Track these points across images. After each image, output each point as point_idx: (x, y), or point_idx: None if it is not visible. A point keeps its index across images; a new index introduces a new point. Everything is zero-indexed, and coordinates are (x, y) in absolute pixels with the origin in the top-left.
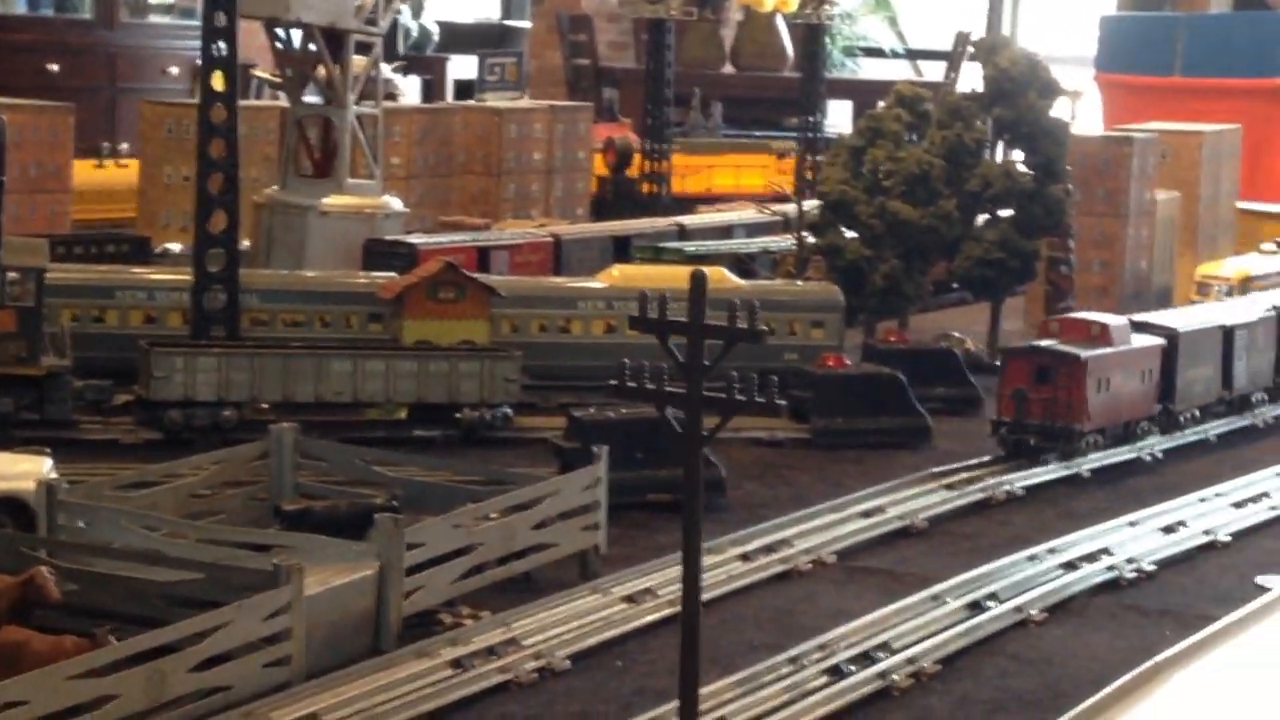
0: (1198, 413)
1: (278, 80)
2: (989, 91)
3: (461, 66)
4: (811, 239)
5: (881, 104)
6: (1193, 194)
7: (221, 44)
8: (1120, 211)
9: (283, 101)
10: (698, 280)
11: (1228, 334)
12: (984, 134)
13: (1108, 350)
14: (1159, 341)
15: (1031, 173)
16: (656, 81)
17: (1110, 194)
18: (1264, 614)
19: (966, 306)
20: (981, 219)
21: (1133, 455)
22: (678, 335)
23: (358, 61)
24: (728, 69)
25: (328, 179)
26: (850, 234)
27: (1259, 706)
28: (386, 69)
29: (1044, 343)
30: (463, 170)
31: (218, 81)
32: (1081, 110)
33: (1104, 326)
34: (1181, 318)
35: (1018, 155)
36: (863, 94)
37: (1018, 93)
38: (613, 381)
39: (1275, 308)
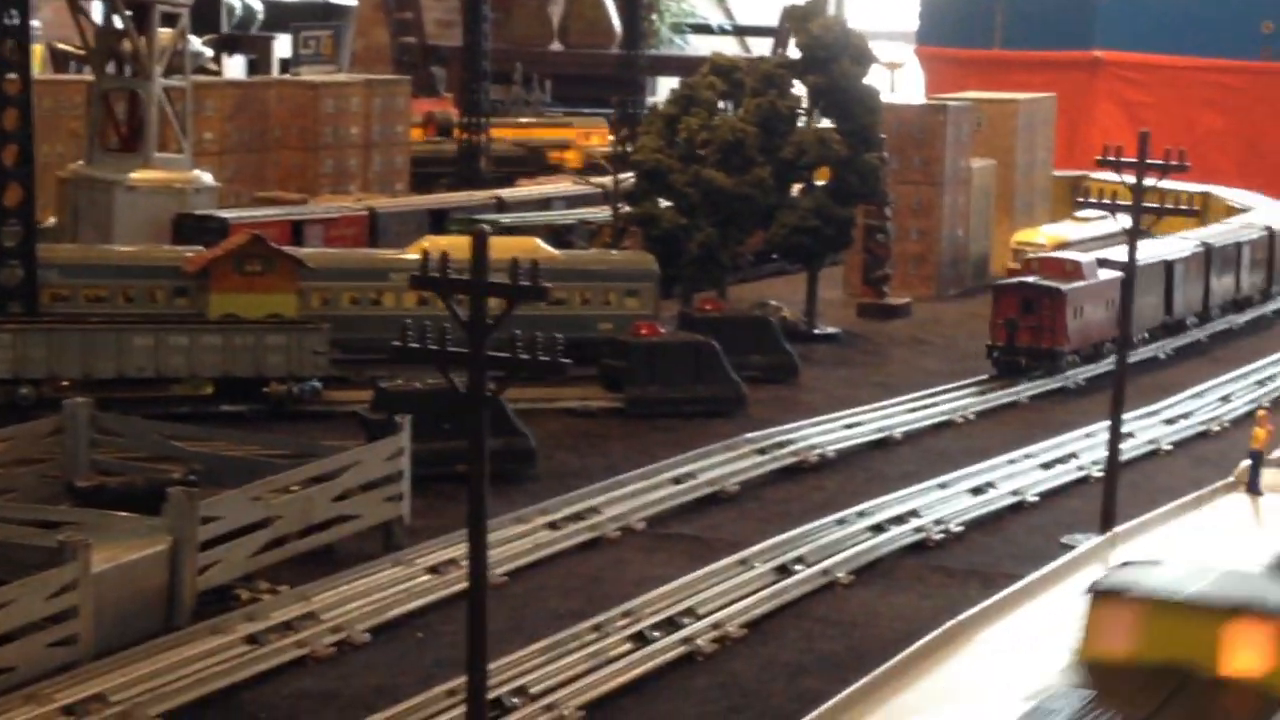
0: (1147, 335)
1: (81, 53)
2: (802, 59)
3: (287, 45)
4: (627, 209)
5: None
6: (1009, 162)
7: (14, 12)
8: (936, 179)
9: (89, 75)
10: (479, 239)
11: (1169, 267)
12: (798, 102)
13: (1081, 284)
14: (1118, 275)
15: (845, 140)
16: (473, 57)
17: (926, 162)
18: (1066, 571)
19: (789, 276)
20: (797, 188)
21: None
22: (460, 293)
23: (164, 34)
24: (556, 46)
25: (135, 153)
26: (666, 203)
27: (1058, 662)
28: (196, 41)
29: (1029, 279)
30: (279, 145)
31: (11, 51)
32: (901, 81)
33: (1077, 264)
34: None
35: (832, 123)
36: (690, 70)
37: (830, 60)
38: (394, 343)
39: (1203, 243)
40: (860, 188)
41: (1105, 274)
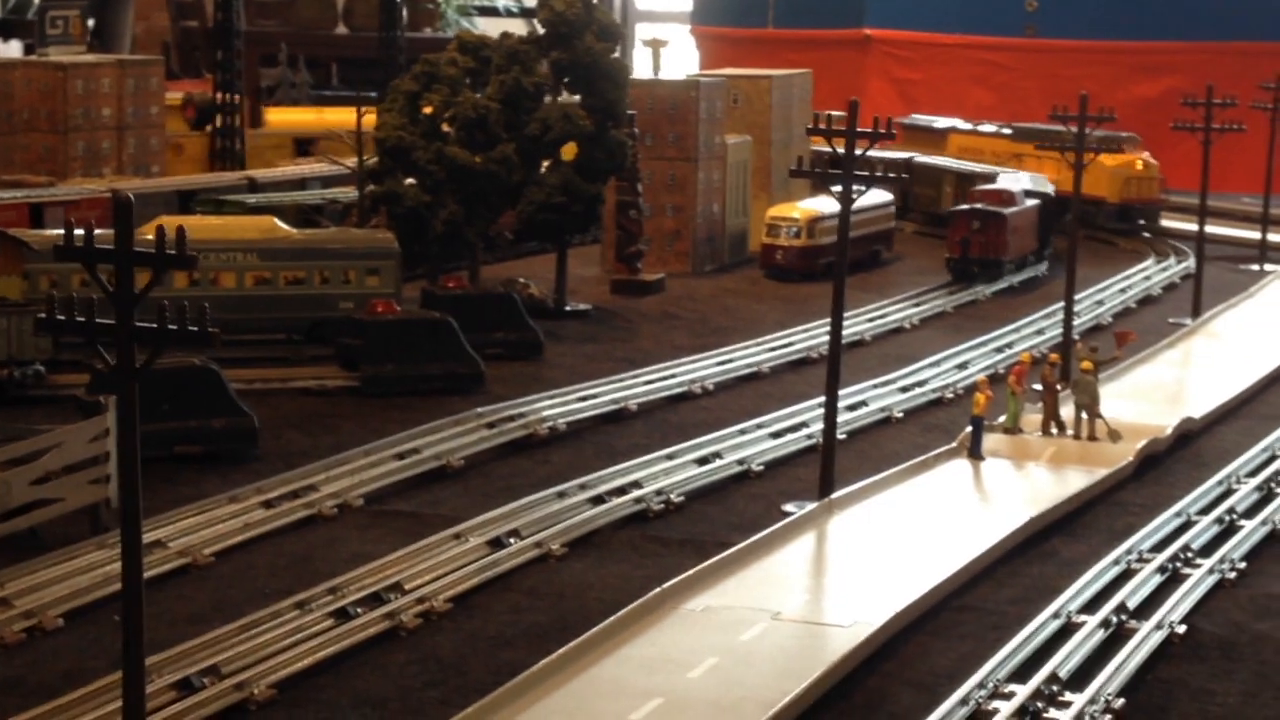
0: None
1: None
2: (547, 35)
3: None
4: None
5: None
6: (765, 138)
7: None
8: (691, 155)
9: None
10: (121, 207)
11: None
12: (544, 78)
13: (1015, 209)
14: (1038, 202)
15: (592, 115)
16: (225, 37)
17: (680, 138)
18: (779, 538)
19: (551, 254)
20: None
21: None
22: (105, 263)
23: None
24: (341, 30)
25: None
26: (410, 181)
27: (764, 627)
28: None
29: (977, 205)
30: (26, 127)
31: None
32: (669, 60)
33: (1011, 193)
34: (1046, 184)
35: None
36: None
37: (575, 36)
38: (40, 315)
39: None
40: (608, 163)
41: (1029, 202)
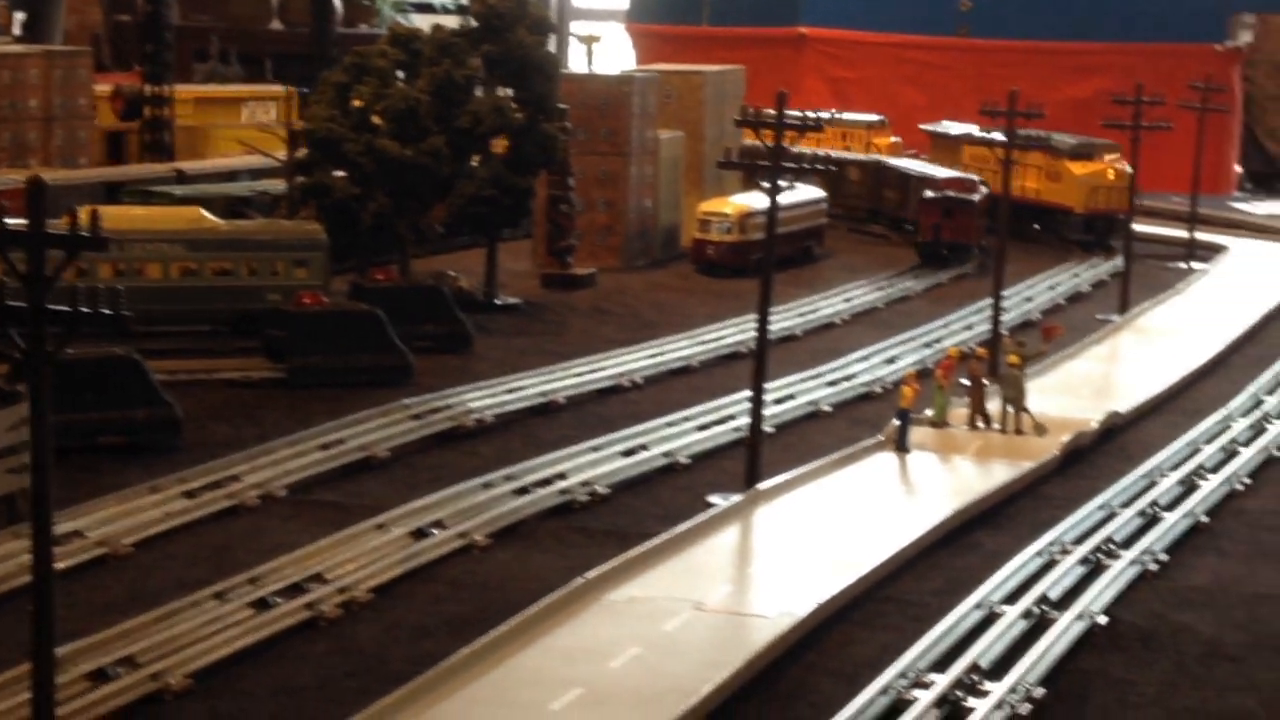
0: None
1: None
2: (479, 28)
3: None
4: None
5: None
6: (697, 133)
7: None
8: (623, 150)
9: None
10: (34, 189)
11: None
12: (475, 70)
13: (977, 196)
14: (987, 192)
15: (523, 109)
16: (155, 29)
17: (612, 133)
18: (703, 530)
19: (479, 249)
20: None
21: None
22: (18, 246)
23: None
24: (277, 25)
25: None
26: (340, 173)
27: (687, 617)
28: None
29: (948, 193)
30: None
31: None
32: (604, 56)
33: (973, 182)
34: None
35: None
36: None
37: (506, 29)
38: None
39: None
40: (539, 157)
41: (983, 189)
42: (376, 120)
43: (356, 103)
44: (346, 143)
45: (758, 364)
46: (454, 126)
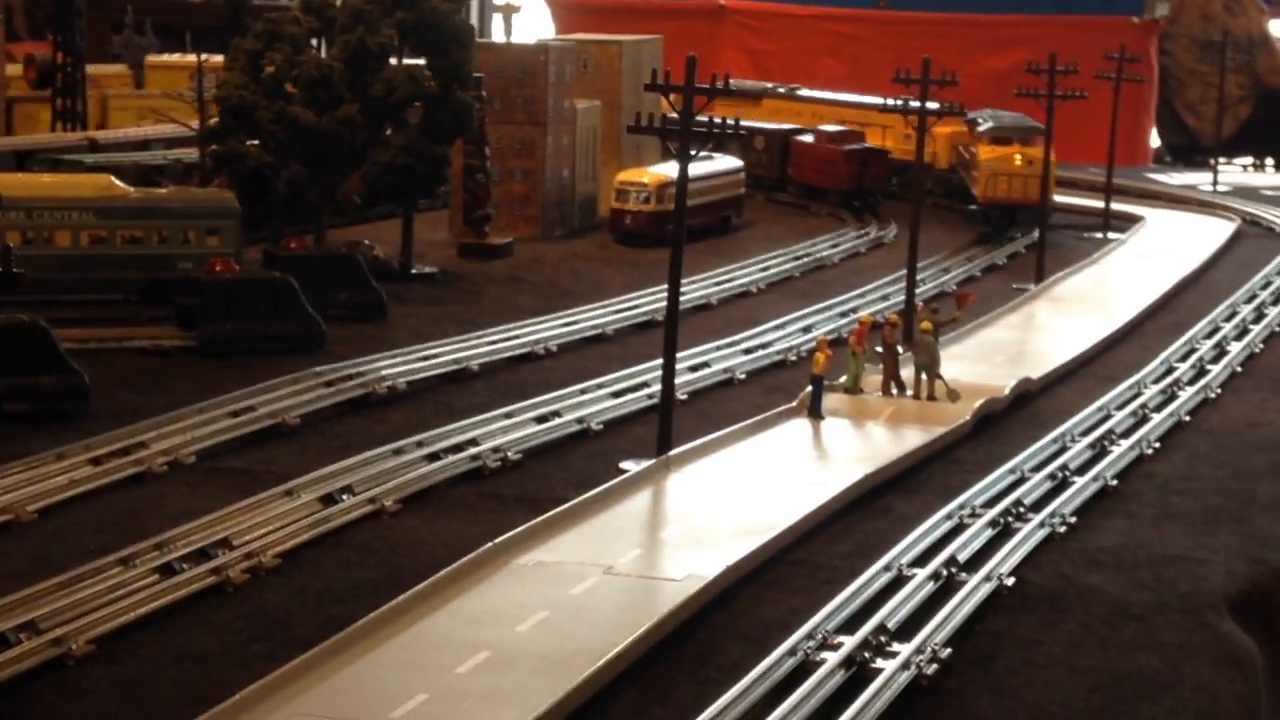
0: None
1: None
2: None
3: None
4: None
5: None
6: (615, 103)
7: None
8: (540, 120)
9: None
10: None
11: None
12: (389, 38)
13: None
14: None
15: (437, 77)
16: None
17: (529, 102)
18: (614, 495)
19: (396, 219)
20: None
21: None
22: None
23: None
24: None
25: None
26: (253, 141)
27: (595, 581)
28: None
29: (865, 145)
30: None
31: None
32: (523, 26)
33: (860, 134)
34: None
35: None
36: None
37: None
38: None
39: None
40: (453, 125)
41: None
42: (289, 88)
43: (269, 70)
44: (259, 110)
45: (668, 329)
46: (368, 95)
